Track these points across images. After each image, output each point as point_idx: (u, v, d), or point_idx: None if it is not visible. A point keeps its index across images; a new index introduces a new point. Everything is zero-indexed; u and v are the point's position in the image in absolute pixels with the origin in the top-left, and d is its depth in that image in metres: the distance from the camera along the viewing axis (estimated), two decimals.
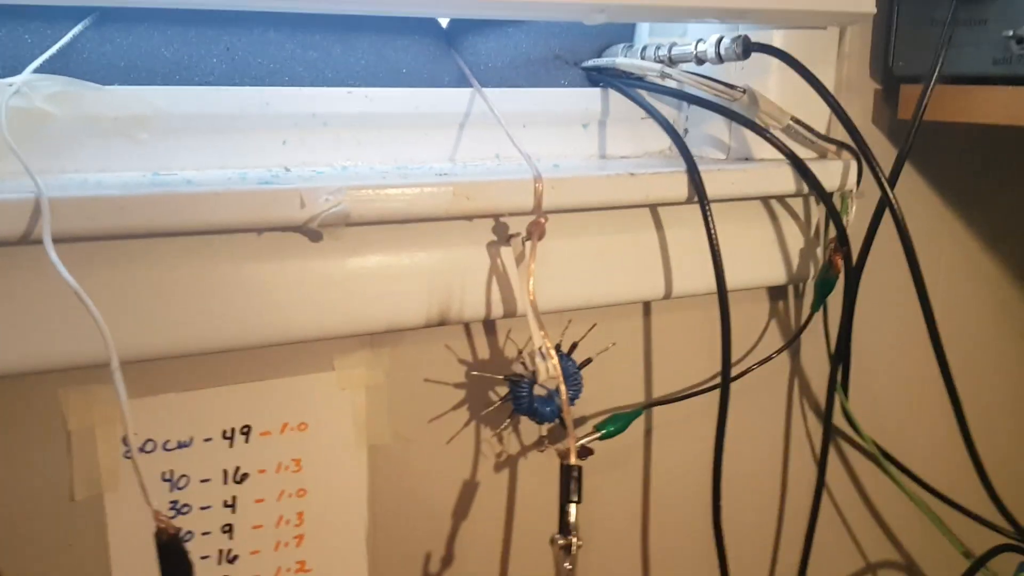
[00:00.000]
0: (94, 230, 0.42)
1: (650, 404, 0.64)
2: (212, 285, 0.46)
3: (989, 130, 0.72)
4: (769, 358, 0.65)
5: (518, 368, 0.58)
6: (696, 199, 0.55)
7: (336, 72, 0.54)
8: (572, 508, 0.49)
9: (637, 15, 0.58)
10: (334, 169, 0.53)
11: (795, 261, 0.64)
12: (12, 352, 0.43)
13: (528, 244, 0.51)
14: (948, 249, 0.75)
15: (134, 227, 0.42)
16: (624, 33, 0.64)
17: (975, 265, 0.77)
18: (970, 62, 0.60)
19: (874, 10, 0.58)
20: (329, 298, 0.49)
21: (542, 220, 0.51)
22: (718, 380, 0.59)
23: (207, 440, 0.50)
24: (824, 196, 0.59)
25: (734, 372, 0.64)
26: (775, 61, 0.60)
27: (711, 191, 0.55)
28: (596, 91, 0.61)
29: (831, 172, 0.60)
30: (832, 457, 0.74)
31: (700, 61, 0.56)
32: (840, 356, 0.65)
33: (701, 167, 0.55)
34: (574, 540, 0.49)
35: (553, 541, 0.49)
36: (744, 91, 0.58)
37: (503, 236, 0.53)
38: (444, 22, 0.59)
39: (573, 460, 0.50)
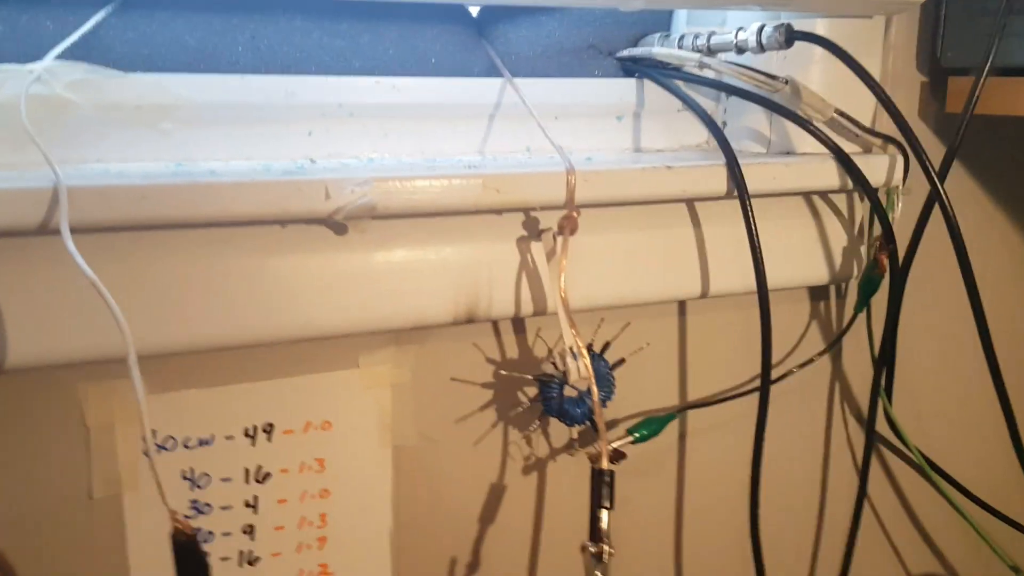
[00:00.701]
0: (113, 220, 0.40)
1: (685, 407, 0.62)
2: (234, 278, 0.45)
3: None
4: (809, 361, 0.63)
5: (548, 368, 0.56)
6: (735, 194, 0.53)
7: (363, 61, 0.53)
8: (604, 514, 0.47)
9: (675, 1, 0.56)
10: (360, 161, 0.52)
11: (838, 260, 0.62)
12: (29, 344, 0.41)
13: (559, 239, 0.49)
14: (997, 250, 0.72)
15: (154, 217, 0.41)
16: (661, 21, 0.62)
17: None
18: None
19: None
20: (354, 293, 0.48)
21: (575, 214, 0.49)
22: (756, 383, 0.57)
23: (229, 438, 0.49)
24: (870, 192, 0.57)
25: (773, 375, 0.61)
26: (818, 52, 0.58)
27: (751, 186, 0.53)
28: (631, 82, 0.59)
29: (877, 167, 0.58)
30: (874, 466, 0.71)
31: (740, 50, 0.54)
32: (884, 360, 0.63)
33: (741, 160, 0.53)
34: (606, 548, 0.47)
35: (584, 548, 0.47)
36: (786, 82, 0.55)
37: (534, 231, 0.52)
38: (474, 10, 0.57)
39: (605, 464, 0.48)
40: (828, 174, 0.56)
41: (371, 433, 0.52)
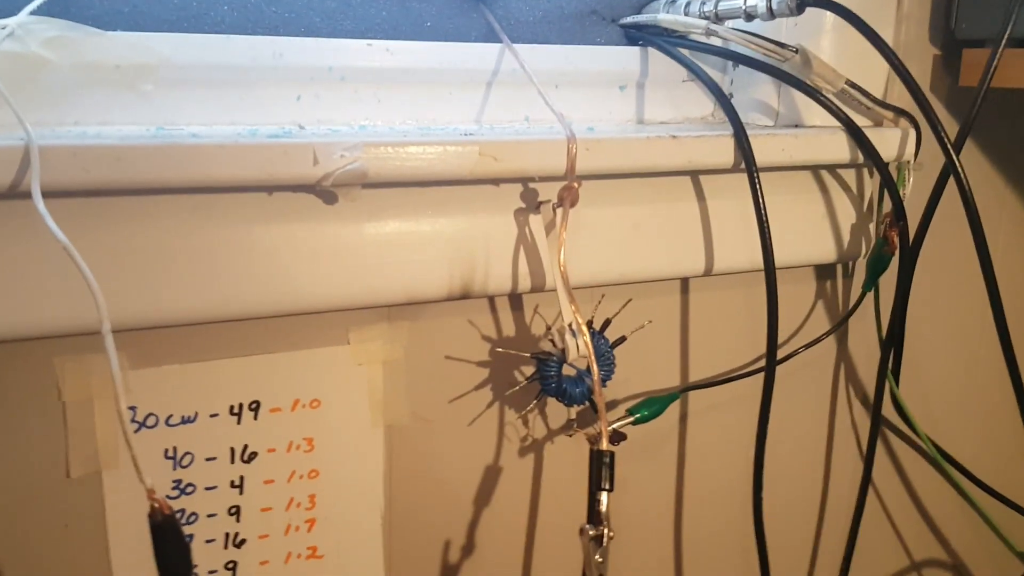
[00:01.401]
0: (88, 183, 0.38)
1: (687, 388, 0.60)
2: (218, 248, 0.43)
3: None
4: (815, 341, 0.61)
5: (546, 345, 0.53)
6: (742, 166, 0.51)
7: (355, 23, 0.51)
8: (603, 496, 0.45)
9: None
10: (351, 128, 0.50)
11: (846, 237, 0.60)
12: (1, 316, 0.39)
13: (559, 211, 0.47)
14: (1009, 229, 0.70)
15: (132, 181, 0.39)
16: None
17: None
18: None
19: None
20: (344, 266, 0.46)
21: (575, 185, 0.47)
22: (760, 364, 0.56)
23: (213, 416, 0.47)
24: (880, 166, 0.55)
25: (778, 356, 0.59)
26: (829, 20, 0.56)
27: (759, 158, 0.51)
28: (635, 50, 0.57)
29: (888, 140, 0.56)
30: (879, 450, 0.70)
31: (749, 16, 0.52)
32: (892, 341, 0.61)
33: (748, 132, 0.51)
34: (605, 531, 0.45)
35: (583, 531, 0.45)
36: (796, 51, 0.53)
37: (532, 202, 0.49)
38: None
39: (605, 445, 0.46)
40: (838, 147, 0.54)
41: (362, 412, 0.50)
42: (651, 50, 0.57)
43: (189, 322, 0.44)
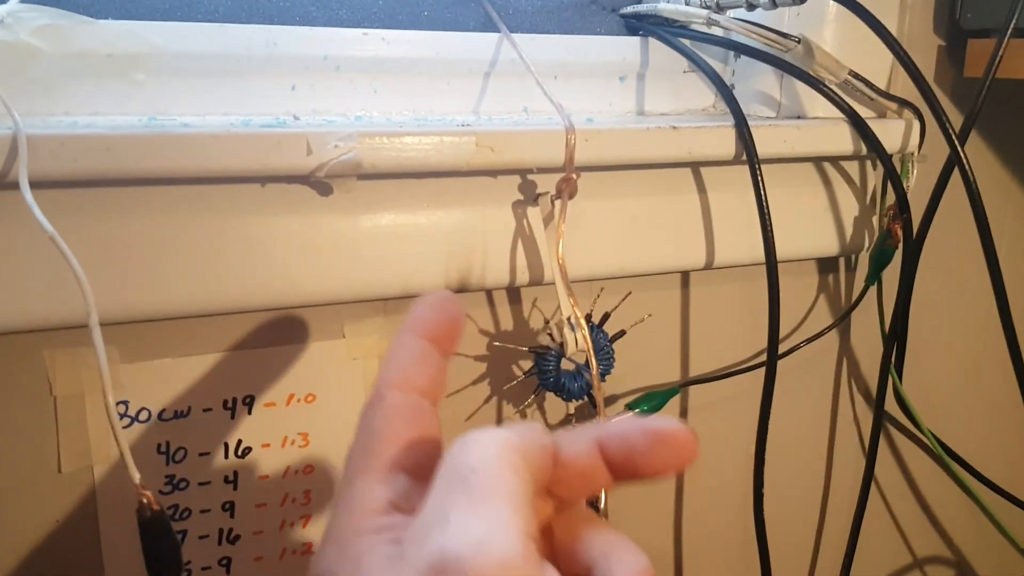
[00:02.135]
0: (77, 173, 0.38)
1: (688, 383, 0.59)
2: (211, 240, 0.42)
3: None
4: (818, 336, 0.60)
5: (544, 340, 0.53)
6: (744, 158, 0.50)
7: (351, 12, 0.50)
8: (602, 493, 0.45)
9: None
10: (347, 119, 0.49)
11: (848, 230, 0.59)
12: None
13: (558, 203, 0.47)
14: (1012, 221, 0.69)
15: (122, 171, 0.38)
16: None
17: None
18: None
19: None
20: (339, 259, 0.45)
21: (574, 176, 0.46)
22: (762, 359, 0.55)
23: (206, 410, 0.46)
24: (884, 158, 0.54)
25: (780, 350, 0.59)
26: (832, 10, 0.55)
27: (761, 150, 0.50)
28: (635, 40, 0.56)
29: (892, 132, 0.55)
30: (882, 445, 0.69)
31: (751, 6, 0.51)
32: (895, 336, 0.60)
33: (750, 123, 0.50)
34: None
35: None
36: (799, 41, 0.53)
37: (530, 194, 0.49)
38: None
39: None
40: (841, 138, 0.54)
41: (358, 406, 0.50)
42: (651, 40, 0.56)
43: (181, 315, 0.43)
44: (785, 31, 0.53)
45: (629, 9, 0.57)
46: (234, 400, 0.47)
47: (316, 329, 0.48)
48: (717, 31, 0.55)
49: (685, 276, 0.58)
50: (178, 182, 0.41)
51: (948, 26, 0.61)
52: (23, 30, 0.42)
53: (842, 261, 0.63)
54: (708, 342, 0.60)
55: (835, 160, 0.58)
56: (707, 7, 0.53)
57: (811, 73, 0.53)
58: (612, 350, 0.51)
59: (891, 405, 0.65)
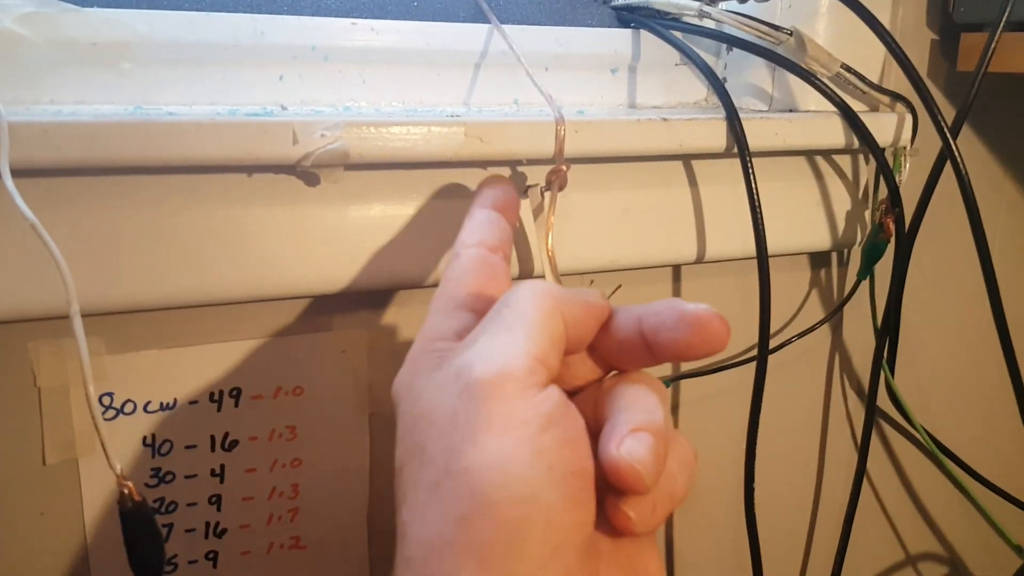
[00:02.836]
0: (60, 161, 0.37)
1: (678, 377, 0.59)
2: (197, 230, 0.42)
3: None
4: (809, 330, 0.60)
5: None
6: (735, 150, 0.50)
7: (340, 1, 0.50)
8: None
9: None
10: (335, 109, 0.48)
11: (841, 225, 0.59)
12: None
13: (548, 195, 0.46)
14: (1007, 217, 0.69)
15: (106, 160, 0.38)
16: None
17: None
18: None
19: None
20: (327, 250, 0.45)
21: (564, 168, 0.46)
22: (753, 353, 0.55)
23: (192, 403, 0.46)
24: (876, 151, 0.54)
25: (771, 345, 0.58)
26: (824, 2, 0.55)
27: (752, 142, 0.50)
28: (627, 32, 0.56)
29: (884, 126, 0.55)
30: (874, 441, 0.69)
31: None
32: (887, 330, 0.60)
33: (742, 116, 0.50)
34: None
35: None
36: (791, 33, 0.52)
37: (520, 186, 0.48)
38: None
39: None
40: (833, 131, 0.53)
41: (347, 400, 0.49)
42: (643, 32, 0.56)
43: (167, 306, 0.43)
44: (777, 24, 0.52)
45: (621, 1, 0.57)
46: (221, 392, 0.46)
47: (304, 321, 0.48)
48: (709, 24, 0.54)
49: (676, 270, 0.58)
50: (163, 171, 0.41)
51: (941, 20, 0.61)
52: (7, 17, 0.42)
53: (834, 256, 0.63)
54: None
55: (827, 154, 0.57)
56: None
57: (803, 66, 0.53)
58: None
59: (883, 400, 0.65)
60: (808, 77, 0.53)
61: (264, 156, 0.40)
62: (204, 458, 0.47)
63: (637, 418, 0.30)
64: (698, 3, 0.53)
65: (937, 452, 0.65)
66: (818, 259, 0.62)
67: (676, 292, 0.58)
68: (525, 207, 0.49)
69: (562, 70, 0.55)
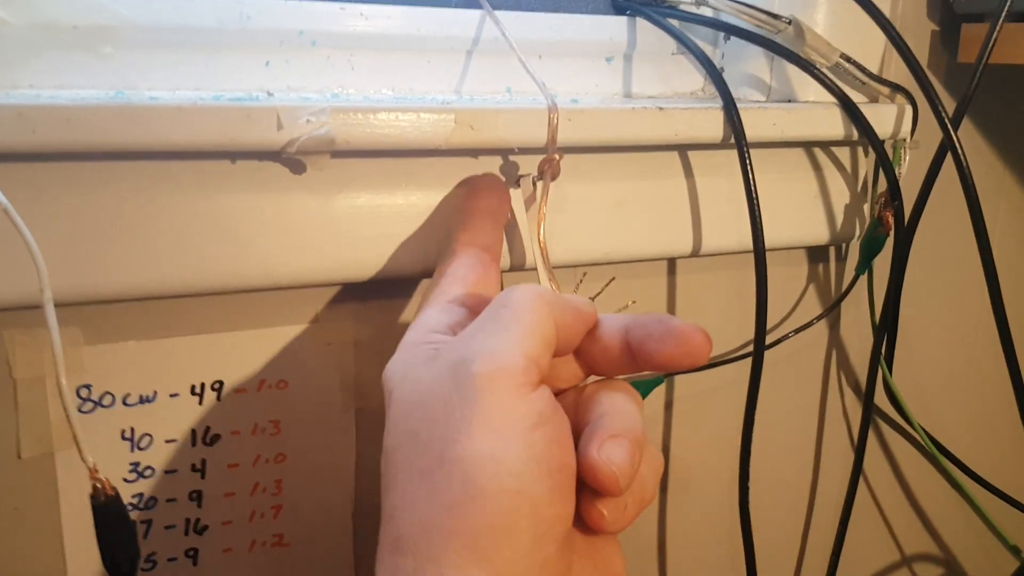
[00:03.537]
0: (36, 145, 0.36)
1: (672, 372, 0.58)
2: (178, 218, 0.41)
3: None
4: (806, 326, 0.59)
5: None
6: (732, 141, 0.49)
7: None
8: None
9: None
10: (323, 96, 0.47)
11: (839, 218, 0.58)
12: None
13: (540, 184, 0.45)
14: (1006, 210, 0.68)
15: (84, 144, 0.37)
16: None
17: None
18: None
19: None
20: (313, 239, 0.43)
21: (556, 157, 0.45)
22: (749, 349, 0.53)
23: (173, 396, 0.45)
24: (876, 143, 0.53)
25: (767, 340, 0.57)
26: None
27: (750, 132, 0.49)
28: (622, 20, 0.55)
29: (884, 117, 0.54)
30: (871, 439, 0.68)
31: None
32: (886, 326, 0.59)
33: (740, 106, 0.49)
34: None
35: None
36: (789, 22, 0.51)
37: (512, 176, 0.47)
38: None
39: None
40: (832, 122, 0.52)
41: (332, 394, 0.48)
42: (639, 20, 0.55)
43: (147, 296, 0.41)
44: (776, 12, 0.51)
45: None
46: (202, 385, 0.45)
47: (289, 313, 0.46)
48: (707, 11, 0.53)
49: (671, 263, 0.57)
50: (143, 157, 0.39)
51: (942, 10, 0.60)
52: None
53: (832, 250, 0.62)
54: None
55: (826, 145, 0.56)
56: None
57: (802, 56, 0.52)
58: None
59: (881, 398, 0.64)
60: (807, 67, 0.52)
61: (248, 142, 0.39)
62: (185, 453, 0.45)
63: (617, 424, 0.31)
64: None
65: (935, 451, 0.64)
66: (816, 253, 0.61)
67: (671, 286, 0.57)
68: (517, 197, 0.47)
69: (556, 58, 0.54)
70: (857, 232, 0.59)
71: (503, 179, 0.46)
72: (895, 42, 0.51)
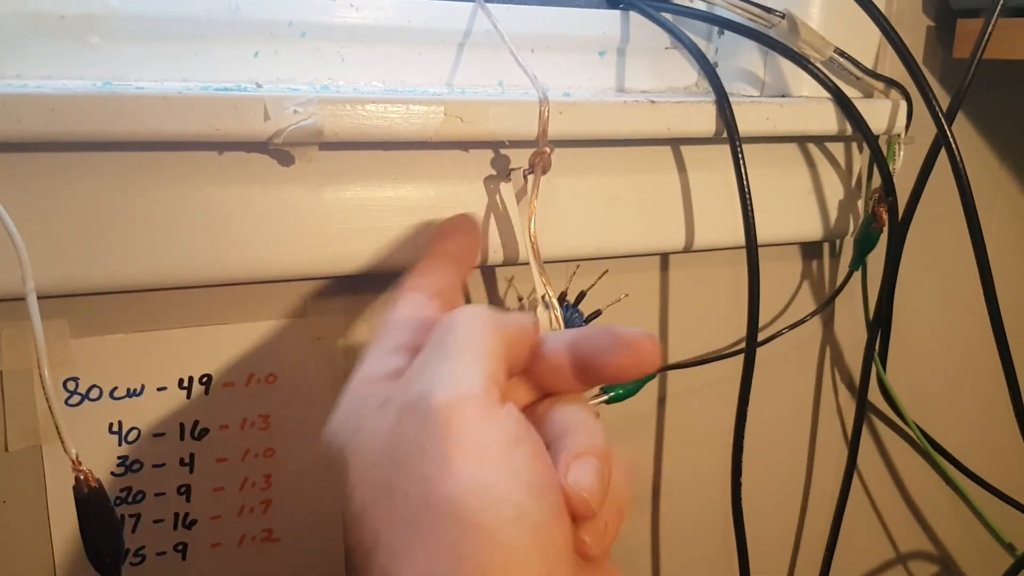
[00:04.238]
0: (22, 136, 0.36)
1: (665, 368, 0.57)
2: (165, 210, 0.40)
3: None
4: (800, 322, 0.59)
5: None
6: (724, 135, 0.48)
7: None
8: None
9: None
10: (312, 88, 0.47)
11: (833, 214, 0.57)
12: None
13: (531, 178, 0.45)
14: (1002, 206, 0.68)
15: (70, 134, 0.36)
16: None
17: None
18: None
19: None
20: (302, 232, 0.43)
21: (547, 150, 0.44)
22: (742, 345, 0.53)
23: (161, 389, 0.44)
24: (870, 138, 0.53)
25: (760, 337, 0.57)
26: None
27: (742, 127, 0.48)
28: (616, 14, 0.54)
29: (878, 112, 0.54)
30: (865, 436, 0.67)
31: None
32: (880, 323, 0.59)
33: (733, 100, 0.48)
34: None
35: None
36: (783, 16, 0.51)
37: (503, 170, 0.47)
38: None
39: None
40: (826, 117, 0.52)
41: (322, 389, 0.48)
42: (633, 14, 0.55)
43: (134, 288, 0.41)
44: (770, 6, 0.51)
45: None
46: (190, 379, 0.45)
47: (278, 306, 0.46)
48: (700, 5, 0.53)
49: (664, 258, 0.56)
50: (129, 147, 0.39)
51: (937, 5, 0.60)
52: None
53: (826, 246, 0.62)
54: (687, 327, 0.58)
55: (819, 140, 0.56)
56: None
57: (796, 50, 0.52)
58: None
59: (875, 395, 0.64)
60: (801, 61, 0.51)
61: (234, 132, 0.39)
62: (173, 447, 0.45)
63: (579, 443, 0.30)
64: None
65: (929, 448, 0.64)
66: (809, 249, 0.61)
67: (664, 281, 0.57)
68: (508, 191, 0.47)
69: (549, 52, 0.53)
70: (851, 228, 0.58)
71: (477, 221, 0.44)
72: (890, 37, 0.50)
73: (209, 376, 0.45)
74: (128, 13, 0.43)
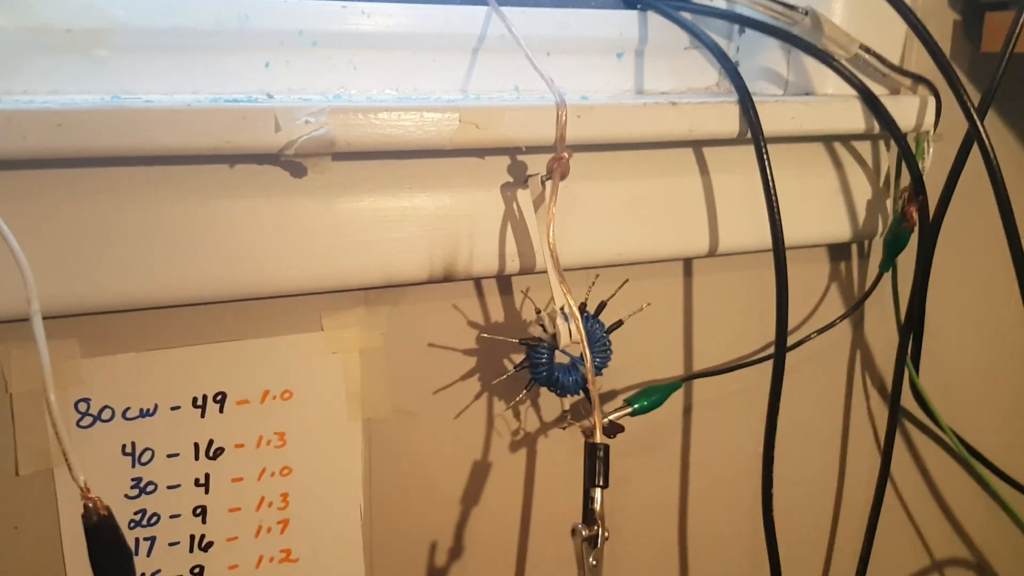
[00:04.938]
0: (28, 152, 0.35)
1: (690, 377, 0.56)
2: (176, 225, 0.39)
3: None
4: (829, 326, 0.57)
5: (536, 331, 0.50)
6: (748, 136, 0.47)
7: None
8: (597, 493, 0.42)
9: None
10: (324, 98, 0.46)
11: (861, 214, 0.56)
12: None
13: (548, 184, 0.43)
14: None
15: (76, 149, 0.35)
16: None
17: None
18: None
19: None
20: (315, 245, 0.42)
21: (565, 155, 0.43)
22: (769, 351, 0.52)
23: (174, 408, 0.43)
24: (898, 136, 0.51)
25: (788, 342, 0.55)
26: None
27: (767, 127, 0.47)
28: (633, 14, 0.53)
29: (906, 109, 0.52)
30: (898, 442, 0.66)
31: None
32: (911, 326, 0.57)
33: (756, 100, 0.47)
34: (600, 531, 0.41)
35: (575, 532, 0.41)
36: (806, 12, 0.50)
37: (520, 176, 0.46)
38: None
39: (599, 438, 0.42)
40: (852, 115, 0.51)
41: (338, 404, 0.47)
42: (651, 14, 0.53)
43: (144, 306, 0.40)
44: (792, 3, 0.50)
45: None
46: (204, 397, 0.44)
47: (292, 321, 0.45)
48: (720, 4, 0.52)
49: (687, 263, 0.55)
50: (137, 162, 0.38)
51: (964, 0, 0.58)
52: None
53: (854, 247, 0.60)
54: (712, 333, 0.56)
55: (846, 139, 0.55)
56: None
57: (820, 47, 0.50)
58: (609, 341, 0.48)
59: (907, 399, 0.62)
60: (825, 59, 0.50)
61: (245, 145, 0.38)
62: (187, 467, 0.44)
63: None
64: None
65: (965, 454, 0.62)
66: (837, 251, 0.60)
67: (687, 287, 0.55)
68: (525, 198, 0.46)
69: (565, 55, 0.52)
70: (880, 228, 0.57)
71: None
72: (917, 32, 0.49)
73: (223, 394, 0.44)
74: (135, 26, 0.42)
